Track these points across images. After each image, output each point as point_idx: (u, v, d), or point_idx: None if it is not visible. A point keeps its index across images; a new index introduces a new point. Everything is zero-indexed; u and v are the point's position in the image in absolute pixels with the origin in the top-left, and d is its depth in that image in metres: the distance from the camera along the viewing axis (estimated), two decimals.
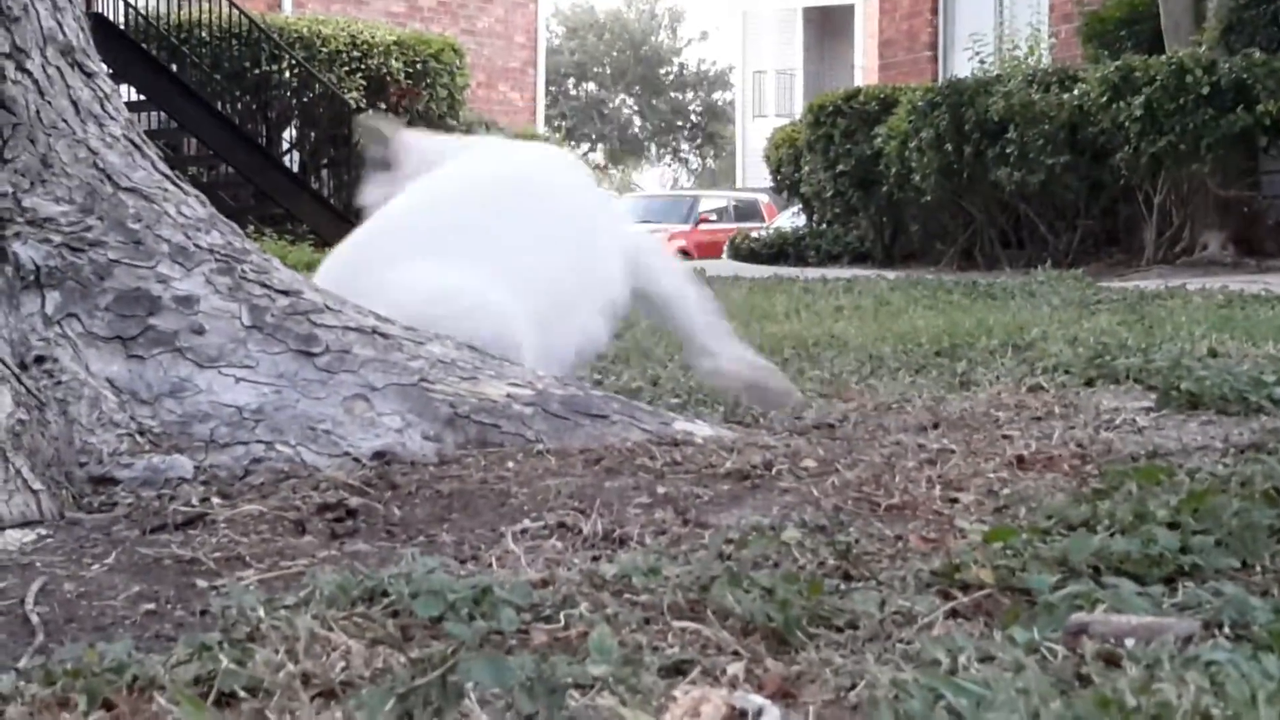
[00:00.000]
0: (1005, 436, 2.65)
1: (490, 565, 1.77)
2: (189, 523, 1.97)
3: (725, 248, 17.46)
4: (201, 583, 1.79)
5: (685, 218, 23.40)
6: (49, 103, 2.24)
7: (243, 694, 1.35)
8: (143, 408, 2.17)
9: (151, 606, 1.73)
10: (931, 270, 11.70)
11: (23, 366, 2.09)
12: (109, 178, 2.27)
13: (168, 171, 2.38)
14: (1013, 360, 4.02)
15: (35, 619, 1.70)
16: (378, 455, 2.23)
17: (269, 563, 1.86)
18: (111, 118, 2.32)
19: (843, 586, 1.67)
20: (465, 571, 1.71)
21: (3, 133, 2.19)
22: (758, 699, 1.35)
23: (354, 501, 2.03)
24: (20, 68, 2.20)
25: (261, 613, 1.52)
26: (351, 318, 2.36)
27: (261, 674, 1.39)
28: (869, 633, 1.52)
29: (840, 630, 1.54)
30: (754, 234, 17.45)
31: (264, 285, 2.33)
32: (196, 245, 2.31)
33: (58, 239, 2.19)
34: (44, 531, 1.91)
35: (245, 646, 1.46)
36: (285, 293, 2.34)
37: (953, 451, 2.45)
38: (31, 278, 2.16)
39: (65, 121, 2.25)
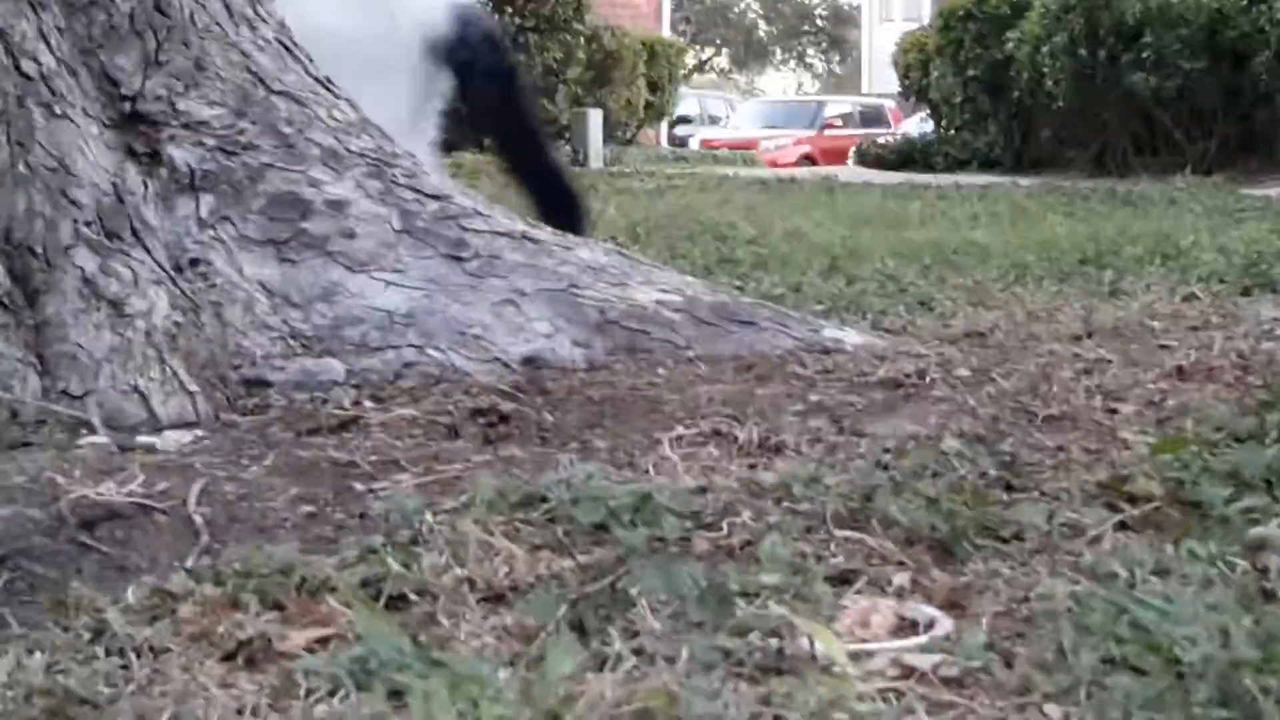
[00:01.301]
0: (1163, 347, 2.57)
1: (647, 472, 1.76)
2: (343, 426, 1.99)
3: (851, 154, 17.20)
4: (359, 486, 1.80)
5: (810, 123, 23.07)
6: (202, 5, 2.25)
7: (412, 597, 1.36)
8: (295, 311, 2.20)
9: (311, 509, 1.75)
10: (1063, 177, 11.40)
11: (178, 269, 2.12)
12: (261, 81, 2.28)
13: (319, 75, 2.38)
14: (1162, 269, 3.91)
15: (199, 520, 1.73)
16: (527, 360, 2.23)
17: (424, 466, 1.86)
18: (263, 20, 2.33)
19: (1006, 497, 1.64)
20: (622, 478, 1.70)
21: (157, 36, 2.20)
22: (928, 609, 1.32)
23: (506, 407, 2.03)
24: None
25: (427, 516, 1.53)
26: (500, 223, 2.36)
27: (428, 578, 1.40)
28: (1036, 545, 1.49)
29: (1006, 541, 1.51)
30: (881, 140, 17.16)
31: (414, 190, 2.33)
32: (348, 149, 2.32)
33: (211, 142, 2.21)
34: (201, 433, 1.95)
35: (410, 550, 1.47)
36: (435, 197, 2.34)
37: (1109, 361, 2.39)
38: (186, 181, 2.19)
39: (218, 25, 2.26)
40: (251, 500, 1.83)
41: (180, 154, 2.18)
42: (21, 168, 2.00)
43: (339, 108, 2.36)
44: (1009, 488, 1.69)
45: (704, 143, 21.18)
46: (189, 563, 1.59)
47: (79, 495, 1.73)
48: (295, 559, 1.48)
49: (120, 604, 1.40)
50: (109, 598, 1.42)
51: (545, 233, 2.40)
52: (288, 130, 2.26)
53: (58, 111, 2.05)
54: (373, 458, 1.91)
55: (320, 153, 2.28)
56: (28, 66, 2.04)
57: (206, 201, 2.18)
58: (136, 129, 2.17)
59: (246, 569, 1.46)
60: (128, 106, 2.17)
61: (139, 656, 1.26)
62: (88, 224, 2.03)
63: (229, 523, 1.77)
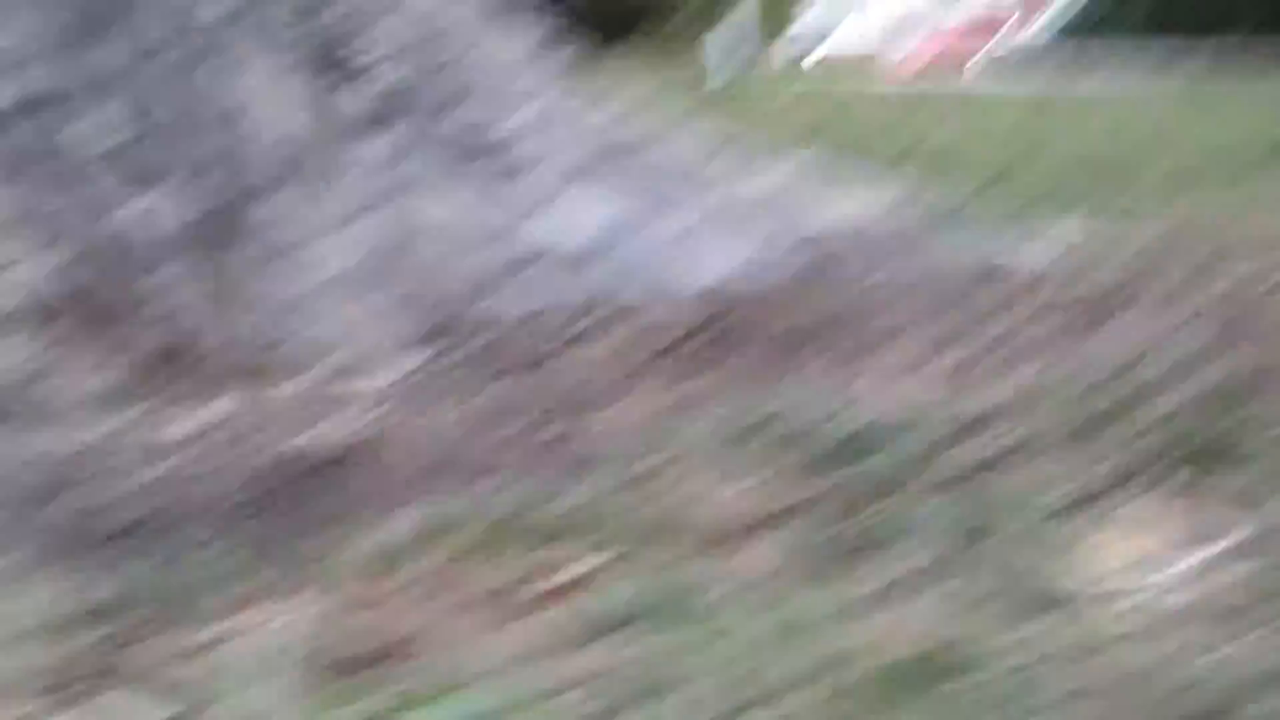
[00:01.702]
0: None
1: (864, 398, 1.74)
2: (539, 361, 2.03)
3: (978, 59, 16.77)
4: (566, 423, 1.83)
5: (935, 29, 22.58)
6: None
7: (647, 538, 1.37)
8: (480, 244, 2.23)
9: (522, 447, 1.78)
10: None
11: (367, 207, 2.16)
12: (437, 27, 2.31)
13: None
14: None
15: (414, 464, 1.77)
16: (714, 289, 2.23)
17: (629, 401, 1.90)
18: None
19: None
20: (841, 403, 1.69)
21: None
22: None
23: (700, 337, 2.05)
24: None
25: (649, 455, 1.53)
26: (684, 153, 2.39)
27: (662, 516, 1.40)
28: None
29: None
30: (1012, 43, 16.70)
31: (592, 123, 2.34)
32: (522, 86, 2.36)
33: (394, 83, 2.26)
34: (406, 367, 1.99)
35: (642, 489, 1.48)
36: (613, 129, 2.36)
37: None
38: (372, 121, 2.24)
39: None
40: (463, 440, 1.87)
41: (363, 97, 2.23)
42: (219, 116, 2.04)
43: (507, 46, 2.40)
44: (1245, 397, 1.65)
45: (826, 56, 20.85)
46: (412, 512, 1.62)
47: (289, 443, 1.79)
48: (523, 500, 1.50)
49: (349, 555, 1.44)
50: (339, 549, 1.47)
51: (728, 160, 2.41)
52: (469, 74, 2.31)
53: (251, 60, 2.10)
54: (577, 394, 1.94)
55: (495, 91, 2.32)
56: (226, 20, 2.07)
57: (390, 139, 2.22)
58: (324, 69, 2.22)
59: (470, 515, 1.48)
60: (315, 44, 2.22)
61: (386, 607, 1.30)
62: (280, 167, 2.07)
63: (443, 464, 1.80)
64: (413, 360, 2.04)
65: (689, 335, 2.05)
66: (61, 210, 2.02)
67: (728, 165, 2.43)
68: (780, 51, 20.15)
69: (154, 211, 2.08)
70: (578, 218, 2.29)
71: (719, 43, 13.08)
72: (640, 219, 2.30)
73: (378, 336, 2.05)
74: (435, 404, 1.94)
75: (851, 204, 2.43)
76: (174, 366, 1.96)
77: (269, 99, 2.10)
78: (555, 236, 2.27)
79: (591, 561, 1.32)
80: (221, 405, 1.91)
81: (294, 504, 1.73)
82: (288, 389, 1.95)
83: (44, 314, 1.99)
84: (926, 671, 1.04)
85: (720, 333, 2.10)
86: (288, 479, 1.83)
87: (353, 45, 2.27)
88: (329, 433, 1.81)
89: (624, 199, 2.31)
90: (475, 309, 2.20)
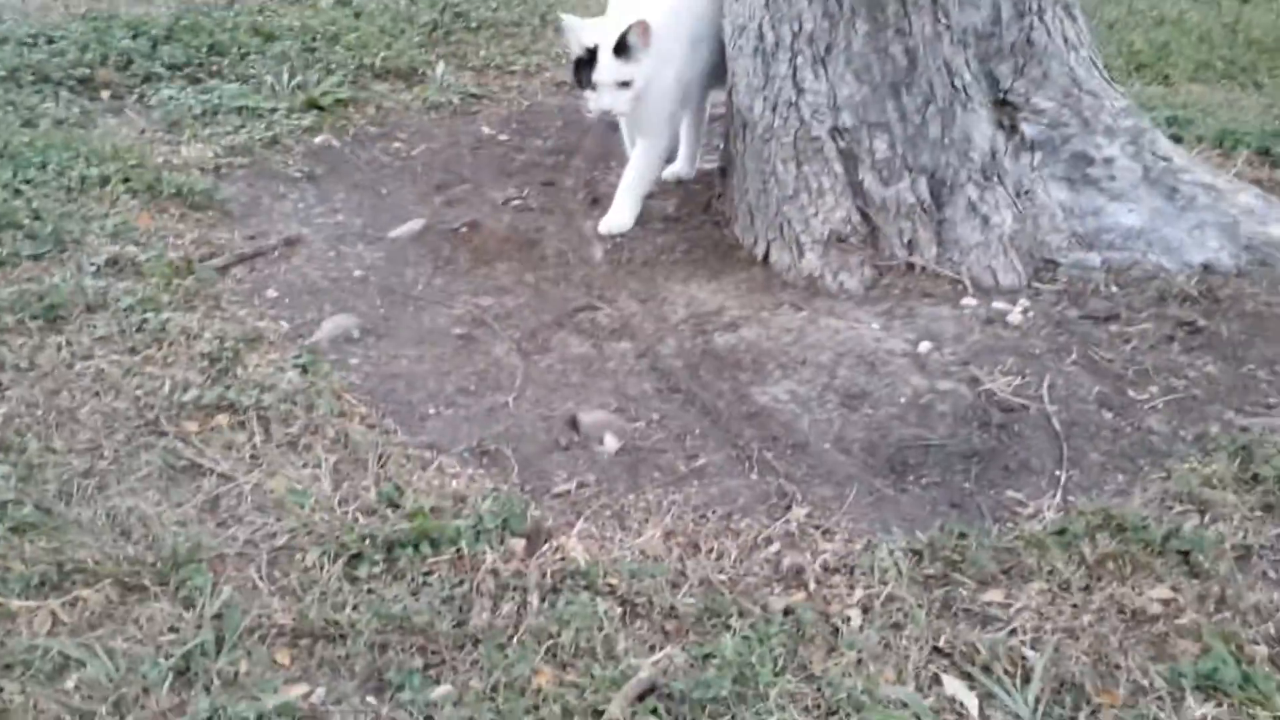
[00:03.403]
0: None
1: None
2: (1108, 318, 3.50)
3: None
4: (1133, 393, 3.14)
5: None
6: (1051, 39, 3.91)
7: None
8: (1075, 221, 3.93)
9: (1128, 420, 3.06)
10: None
11: (1017, 195, 3.92)
12: (1077, 84, 3.94)
13: (1107, 77, 4.00)
14: None
15: (1058, 425, 3.00)
16: (1204, 266, 3.85)
17: (1164, 380, 3.20)
18: (1081, 44, 3.96)
19: None
20: None
21: (1026, 57, 3.91)
22: None
23: (1200, 322, 3.53)
24: (1041, 19, 3.88)
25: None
26: (1199, 177, 3.94)
27: None
28: None
29: None
30: None
31: (1154, 153, 3.94)
32: (1119, 126, 3.95)
33: (1045, 122, 3.92)
34: (1026, 303, 3.67)
35: None
36: (1165, 158, 3.95)
37: None
38: (1028, 144, 3.93)
39: (1058, 50, 3.92)
40: (1073, 401, 3.08)
41: (1028, 129, 3.91)
42: (945, 139, 3.84)
43: (1116, 100, 3.98)
44: None
45: None
46: (1054, 497, 2.77)
47: (990, 385, 3.14)
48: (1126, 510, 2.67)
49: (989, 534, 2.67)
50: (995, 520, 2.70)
51: (1223, 181, 3.94)
52: (1087, 115, 3.93)
53: (967, 106, 3.85)
54: (1131, 366, 3.22)
55: (1103, 128, 3.93)
56: (957, 81, 3.83)
57: (1037, 156, 3.92)
58: (1004, 111, 3.93)
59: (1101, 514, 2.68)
60: (1001, 96, 3.93)
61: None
62: (974, 169, 3.85)
63: (1085, 430, 2.95)
64: (1027, 288, 3.80)
65: (1190, 318, 3.47)
66: (850, 186, 3.88)
67: (1226, 187, 3.96)
68: None
69: (904, 190, 3.87)
70: (1132, 210, 3.91)
71: None
72: (1166, 217, 3.80)
73: (1012, 274, 3.80)
74: (1052, 353, 3.24)
75: None
76: (905, 277, 3.84)
77: (978, 130, 3.84)
78: (1116, 220, 3.91)
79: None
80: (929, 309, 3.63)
81: (979, 449, 2.94)
82: (964, 304, 3.72)
83: (836, 236, 3.91)
84: None
85: (1208, 313, 3.47)
86: (984, 424, 3.03)
87: (1028, 99, 3.87)
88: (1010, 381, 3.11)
89: (1160, 202, 3.87)
90: (1066, 257, 3.92)
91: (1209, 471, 2.86)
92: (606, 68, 3.63)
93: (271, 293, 3.60)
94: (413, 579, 2.50)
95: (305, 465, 2.83)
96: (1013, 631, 2.46)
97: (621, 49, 3.63)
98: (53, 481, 2.71)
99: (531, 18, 6.22)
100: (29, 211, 3.80)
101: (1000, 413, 3.11)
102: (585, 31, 3.64)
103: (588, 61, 3.65)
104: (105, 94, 4.94)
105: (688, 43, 3.91)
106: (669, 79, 3.83)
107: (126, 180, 4.08)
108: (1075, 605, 2.52)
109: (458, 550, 2.56)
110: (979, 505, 2.81)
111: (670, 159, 4.39)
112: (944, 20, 3.67)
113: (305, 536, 2.60)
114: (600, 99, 3.65)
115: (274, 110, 4.85)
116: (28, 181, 3.99)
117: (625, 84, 3.64)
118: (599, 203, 4.10)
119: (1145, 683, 2.30)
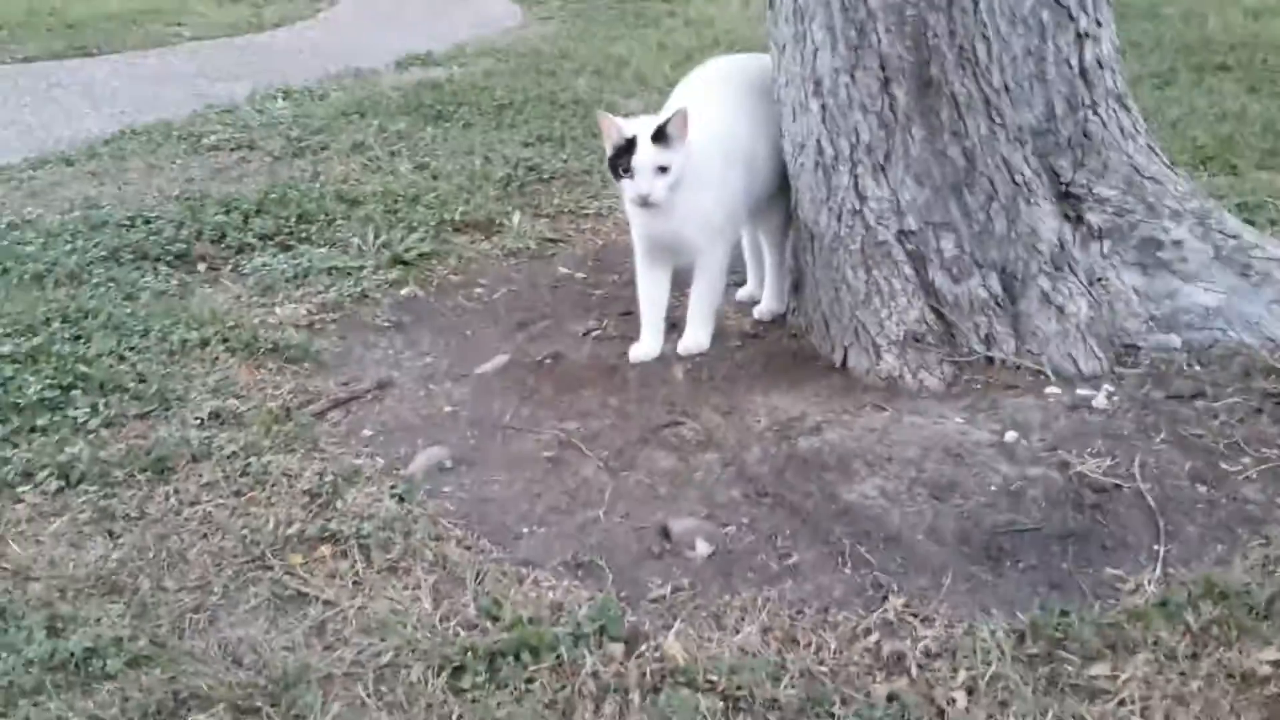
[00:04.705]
0: None
1: None
2: (1194, 396, 3.52)
3: None
4: (1225, 466, 3.18)
5: None
6: (1107, 129, 3.98)
7: None
8: (1151, 304, 3.94)
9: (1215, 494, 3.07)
10: None
11: (1090, 283, 3.95)
12: (1137, 171, 3.99)
13: (1168, 163, 4.05)
14: None
15: (1152, 501, 2.99)
16: None
17: (1257, 451, 3.21)
18: (1138, 133, 4.02)
19: None
20: None
21: (1082, 149, 3.97)
22: None
23: None
24: (1095, 112, 3.96)
25: None
26: (1271, 253, 3.95)
27: None
28: None
29: None
30: None
31: (1221, 232, 3.97)
32: (1184, 209, 3.99)
33: (1110, 210, 3.97)
34: (1110, 388, 3.71)
35: None
36: (1233, 236, 3.97)
37: None
38: (1095, 233, 3.98)
39: (1116, 140, 3.99)
40: (1165, 477, 3.15)
41: (1093, 218, 3.96)
42: (1011, 234, 3.90)
43: (1179, 183, 4.02)
44: None
45: None
46: (1154, 570, 2.78)
47: (1081, 468, 3.14)
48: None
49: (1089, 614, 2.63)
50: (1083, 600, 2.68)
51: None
52: (1151, 200, 3.98)
53: (1030, 200, 3.91)
54: (1221, 440, 3.25)
55: (1169, 212, 3.97)
56: (1017, 177, 3.90)
57: (1106, 244, 3.96)
58: (1068, 203, 3.99)
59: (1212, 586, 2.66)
60: (1063, 189, 3.99)
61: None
62: (1044, 260, 3.90)
63: (1180, 504, 2.93)
64: (1109, 374, 3.82)
65: (1278, 370, 3.58)
66: (921, 286, 3.95)
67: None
68: None
69: (975, 285, 3.93)
70: (1208, 290, 3.92)
71: None
72: (1243, 294, 3.81)
73: (1093, 361, 3.82)
74: (1139, 434, 3.25)
75: None
76: (985, 371, 3.88)
77: (1043, 223, 3.89)
78: (1192, 300, 3.92)
79: None
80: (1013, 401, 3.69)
81: (1073, 529, 2.92)
82: (1049, 392, 3.77)
83: (912, 336, 3.97)
84: None
85: None
86: (1077, 503, 3.02)
87: (1091, 189, 3.93)
88: (1100, 464, 3.09)
89: (1234, 280, 3.87)
90: (1145, 341, 3.94)
91: None
92: (645, 151, 3.74)
93: (367, 432, 3.71)
94: (515, 687, 2.55)
95: (406, 587, 2.90)
96: (1121, 703, 2.46)
97: (660, 137, 3.74)
98: (165, 618, 2.80)
99: (601, 165, 6.41)
100: (134, 375, 3.96)
101: (1093, 493, 3.12)
102: (624, 125, 3.77)
103: (626, 150, 3.76)
104: (202, 266, 5.16)
105: (740, 164, 4.04)
106: (708, 200, 3.93)
107: (225, 341, 4.25)
108: (1183, 673, 2.51)
109: (558, 657, 2.60)
110: (1079, 584, 2.82)
111: (741, 281, 4.54)
112: (998, 119, 3.76)
113: (409, 654, 2.66)
114: (639, 184, 3.76)
115: (361, 268, 5.03)
116: (131, 348, 4.17)
117: (663, 169, 3.75)
118: (676, 326, 4.18)
119: None
